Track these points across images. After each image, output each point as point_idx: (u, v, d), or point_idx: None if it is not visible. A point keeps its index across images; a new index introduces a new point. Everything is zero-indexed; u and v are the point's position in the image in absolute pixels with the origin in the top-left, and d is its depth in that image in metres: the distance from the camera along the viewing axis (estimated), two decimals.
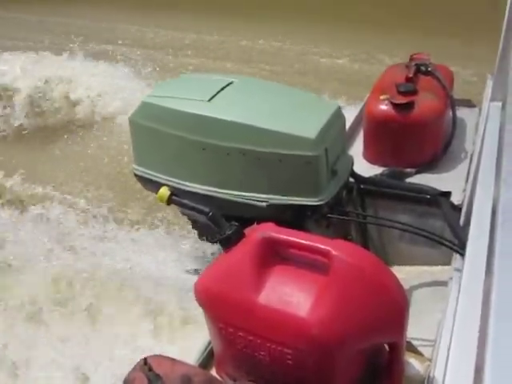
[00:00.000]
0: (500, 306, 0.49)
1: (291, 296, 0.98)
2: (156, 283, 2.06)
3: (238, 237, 1.10)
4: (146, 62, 4.03)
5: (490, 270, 0.60)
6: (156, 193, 1.61)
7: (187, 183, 1.60)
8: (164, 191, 1.17)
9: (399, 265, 1.90)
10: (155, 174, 1.68)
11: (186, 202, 1.16)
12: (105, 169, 2.83)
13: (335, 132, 1.50)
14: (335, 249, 0.96)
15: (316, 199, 1.45)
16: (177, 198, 1.17)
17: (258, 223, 1.57)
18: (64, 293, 2.11)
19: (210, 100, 1.52)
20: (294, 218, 1.50)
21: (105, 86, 3.49)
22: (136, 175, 1.75)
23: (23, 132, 3.34)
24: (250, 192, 1.50)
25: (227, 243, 1.10)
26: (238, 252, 1.07)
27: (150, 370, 1.00)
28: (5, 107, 3.37)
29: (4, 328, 2.03)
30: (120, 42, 4.73)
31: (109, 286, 2.09)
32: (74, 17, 5.59)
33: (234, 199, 1.53)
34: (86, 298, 2.07)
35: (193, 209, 1.16)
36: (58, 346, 1.94)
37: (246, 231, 1.14)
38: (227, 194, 1.53)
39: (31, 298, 2.11)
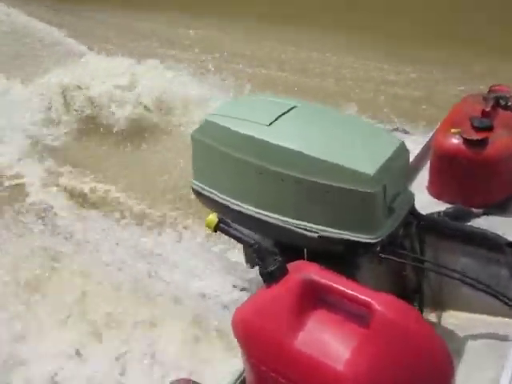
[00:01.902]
0: None
1: (328, 345, 0.95)
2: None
3: (280, 273, 1.08)
4: (229, 72, 4.03)
5: None
6: (210, 209, 1.64)
7: (241, 204, 1.60)
8: (212, 218, 1.17)
9: (455, 310, 1.78)
10: (211, 190, 1.70)
11: (232, 231, 1.16)
12: (169, 178, 2.89)
13: (396, 168, 1.43)
14: (378, 302, 0.92)
15: (369, 237, 1.39)
16: (224, 226, 1.17)
17: (307, 253, 1.55)
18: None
19: (270, 124, 1.51)
20: (344, 252, 1.46)
21: (188, 94, 3.52)
22: (193, 189, 1.78)
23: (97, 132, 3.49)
24: (302, 221, 1.47)
25: (269, 278, 1.09)
26: (278, 290, 1.05)
27: None
28: (80, 107, 3.54)
29: None
30: (197, 50, 4.76)
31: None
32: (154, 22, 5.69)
33: (286, 226, 1.51)
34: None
35: (238, 239, 1.15)
36: None
37: (290, 267, 1.11)
38: (279, 219, 1.51)
39: None
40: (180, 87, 3.54)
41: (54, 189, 2.97)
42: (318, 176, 1.38)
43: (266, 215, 1.54)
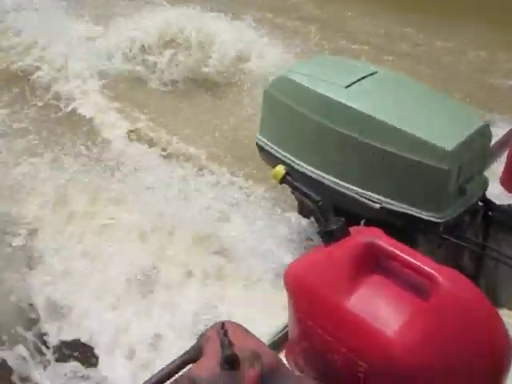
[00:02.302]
0: None
1: (382, 310, 0.93)
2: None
3: (341, 234, 1.06)
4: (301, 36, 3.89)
5: None
6: (272, 166, 1.63)
7: (305, 165, 1.58)
8: (280, 169, 1.16)
9: (510, 309, 1.70)
10: (276, 148, 1.69)
11: (298, 185, 1.14)
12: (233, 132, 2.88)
13: (476, 149, 1.36)
14: (444, 276, 0.88)
15: (435, 215, 1.34)
16: (291, 179, 1.15)
17: (365, 223, 1.52)
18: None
19: (347, 87, 1.47)
20: (405, 227, 1.42)
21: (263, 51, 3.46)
22: (257, 144, 1.78)
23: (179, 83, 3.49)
24: (365, 189, 1.44)
25: (329, 237, 1.07)
26: (338, 249, 1.03)
27: (225, 335, 1.02)
28: (171, 57, 3.55)
29: None
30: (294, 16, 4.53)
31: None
32: None
33: (348, 193, 1.48)
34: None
35: (304, 194, 1.13)
36: None
37: (352, 230, 1.09)
38: (342, 185, 1.49)
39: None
40: (251, 44, 3.49)
41: (121, 129, 3.06)
42: (391, 145, 1.34)
43: (330, 179, 1.52)
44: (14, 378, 1.91)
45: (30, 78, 3.45)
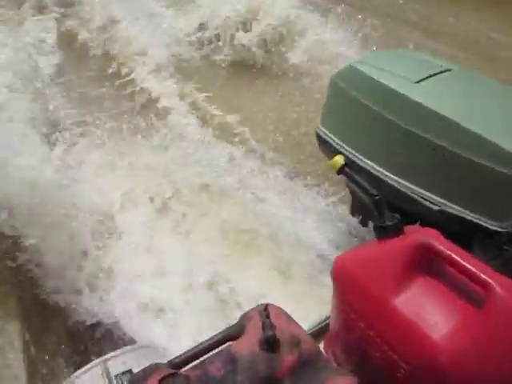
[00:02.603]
0: None
1: (430, 313, 0.90)
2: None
3: (395, 231, 1.04)
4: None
5: None
6: (329, 158, 1.61)
7: (364, 159, 1.55)
8: (338, 159, 1.14)
9: None
10: (336, 139, 1.66)
11: (356, 177, 1.12)
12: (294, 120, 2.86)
13: None
14: (500, 286, 0.84)
15: (496, 223, 1.28)
16: (349, 170, 1.13)
17: (420, 224, 1.47)
18: None
19: (417, 82, 1.42)
20: (462, 233, 1.36)
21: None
22: (317, 134, 1.76)
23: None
24: (425, 190, 1.39)
25: (383, 233, 1.05)
26: (391, 246, 1.01)
27: (268, 317, 1.03)
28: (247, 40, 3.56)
29: None
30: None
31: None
32: None
33: (406, 191, 1.44)
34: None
35: (361, 186, 1.12)
36: None
37: (407, 229, 1.06)
38: (401, 183, 1.45)
39: None
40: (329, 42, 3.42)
41: (183, 108, 3.13)
42: (458, 146, 1.28)
43: (388, 176, 1.48)
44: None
45: (103, 54, 3.60)
